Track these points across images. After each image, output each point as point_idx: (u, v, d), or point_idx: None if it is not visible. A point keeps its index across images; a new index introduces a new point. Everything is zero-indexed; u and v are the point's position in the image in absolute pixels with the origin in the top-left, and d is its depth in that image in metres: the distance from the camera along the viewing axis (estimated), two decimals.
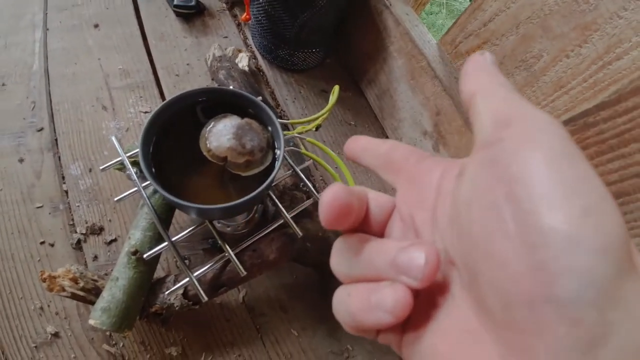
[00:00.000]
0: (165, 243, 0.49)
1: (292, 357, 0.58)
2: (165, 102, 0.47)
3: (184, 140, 0.51)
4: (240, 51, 0.73)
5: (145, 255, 0.49)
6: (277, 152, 0.52)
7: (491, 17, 0.56)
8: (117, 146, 0.53)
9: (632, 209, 0.29)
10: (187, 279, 0.48)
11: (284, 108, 0.75)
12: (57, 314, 0.55)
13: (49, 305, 0.55)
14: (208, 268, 0.50)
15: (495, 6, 0.55)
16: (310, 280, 0.63)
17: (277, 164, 0.47)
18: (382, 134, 0.77)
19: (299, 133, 0.55)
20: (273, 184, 0.56)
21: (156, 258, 0.52)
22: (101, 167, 0.53)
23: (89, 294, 0.50)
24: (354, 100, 0.79)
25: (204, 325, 0.57)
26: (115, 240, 0.60)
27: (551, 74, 0.51)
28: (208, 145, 0.47)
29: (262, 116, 0.51)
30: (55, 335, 0.54)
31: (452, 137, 0.63)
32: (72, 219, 0.61)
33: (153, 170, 0.47)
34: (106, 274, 0.58)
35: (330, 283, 0.57)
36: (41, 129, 0.66)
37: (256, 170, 0.48)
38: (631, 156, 0.28)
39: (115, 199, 0.52)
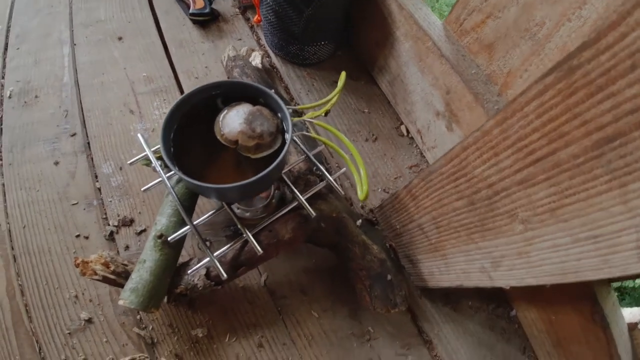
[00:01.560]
0: (188, 227, 0.53)
1: (314, 339, 0.59)
2: (183, 95, 0.51)
3: (203, 130, 0.54)
4: (253, 50, 0.78)
5: (169, 238, 0.52)
6: (287, 135, 0.55)
7: None
8: (142, 142, 0.57)
9: (631, 149, 0.28)
10: (208, 259, 0.51)
11: (298, 101, 0.78)
12: (90, 300, 0.60)
13: (83, 294, 0.60)
14: (227, 248, 0.53)
15: None
16: (329, 264, 0.64)
17: (286, 146, 0.49)
18: (397, 119, 0.78)
19: (310, 119, 0.58)
20: (287, 169, 0.59)
21: (180, 242, 0.55)
22: (129, 162, 0.57)
23: (119, 277, 0.54)
24: (366, 88, 0.81)
25: (227, 308, 0.60)
26: (144, 230, 0.64)
27: (556, 40, 0.51)
28: (222, 129, 0.51)
29: (271, 104, 0.55)
30: (89, 321, 0.58)
31: (463, 113, 0.64)
32: (105, 213, 0.66)
33: (172, 150, 0.51)
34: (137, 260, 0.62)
35: (349, 265, 0.58)
36: (74, 134, 0.73)
37: (265, 153, 0.51)
38: (621, 93, 0.27)
39: (143, 188, 0.56)
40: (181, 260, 0.57)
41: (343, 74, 0.59)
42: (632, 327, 0.57)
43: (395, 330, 0.61)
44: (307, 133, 0.57)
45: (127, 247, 0.63)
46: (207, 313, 0.60)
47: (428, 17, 0.67)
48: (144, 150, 0.57)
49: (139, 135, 0.58)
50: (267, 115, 0.53)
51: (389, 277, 0.57)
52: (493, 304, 0.65)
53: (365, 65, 0.85)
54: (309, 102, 0.78)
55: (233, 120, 0.51)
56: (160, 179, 0.56)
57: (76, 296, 0.60)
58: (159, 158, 0.60)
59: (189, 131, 0.55)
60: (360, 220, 0.59)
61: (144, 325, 0.59)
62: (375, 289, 0.57)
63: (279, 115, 0.55)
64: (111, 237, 0.64)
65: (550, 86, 0.32)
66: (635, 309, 0.59)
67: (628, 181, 0.30)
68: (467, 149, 0.43)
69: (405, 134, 0.76)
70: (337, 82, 0.81)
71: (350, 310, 0.62)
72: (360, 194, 0.51)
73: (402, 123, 0.78)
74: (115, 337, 0.58)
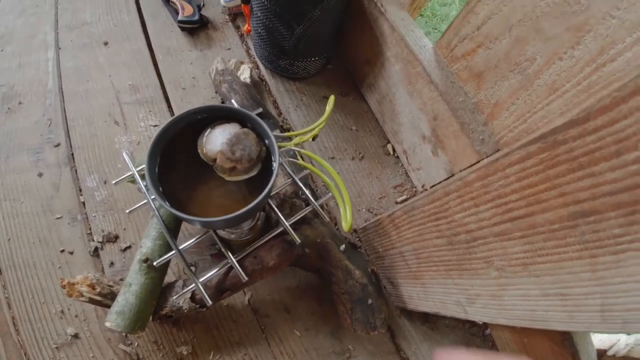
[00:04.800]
0: (173, 251, 0.53)
1: (296, 357, 0.60)
2: (167, 122, 0.50)
3: (189, 154, 0.54)
4: (242, 63, 0.76)
5: (155, 263, 0.52)
6: (274, 164, 0.54)
7: (484, 21, 0.56)
8: (127, 161, 0.56)
9: (605, 227, 0.29)
10: (194, 284, 0.51)
11: (287, 116, 0.77)
12: (76, 316, 0.60)
13: (69, 309, 0.60)
14: (213, 274, 0.53)
15: (487, 9, 0.55)
16: (313, 284, 0.65)
17: (273, 177, 0.49)
18: (384, 137, 0.78)
19: (296, 144, 0.57)
20: (273, 193, 0.58)
21: (166, 264, 0.55)
22: (114, 182, 0.56)
23: (105, 299, 0.54)
24: (355, 105, 0.80)
25: (212, 326, 0.61)
26: (129, 247, 0.64)
27: (545, 77, 0.51)
28: (204, 145, 0.51)
29: (258, 130, 0.54)
30: (75, 336, 0.58)
31: (449, 141, 0.64)
32: (90, 229, 0.65)
33: (160, 189, 0.50)
34: (121, 279, 0.62)
35: (331, 288, 0.59)
36: (58, 145, 0.71)
37: (239, 178, 0.51)
38: (601, 175, 0.28)
39: (127, 211, 0.55)
40: (167, 280, 0.57)
41: (332, 99, 0.58)
42: (601, 353, 0.60)
43: (375, 349, 0.63)
44: (294, 159, 0.56)
45: (112, 264, 0.63)
46: (191, 331, 0.60)
47: (419, 40, 0.66)
48: (129, 167, 0.56)
49: (124, 153, 0.57)
50: (252, 141, 0.52)
51: (369, 301, 0.59)
52: (469, 323, 0.67)
53: (354, 81, 0.84)
54: (297, 117, 0.77)
55: (216, 139, 0.51)
56: (145, 200, 0.56)
57: (62, 311, 0.60)
58: (144, 177, 0.59)
59: (175, 154, 0.54)
60: (343, 245, 0.59)
61: (129, 342, 0.59)
62: (356, 312, 0.58)
63: (266, 142, 0.54)
64: (96, 253, 0.63)
65: (533, 154, 0.33)
66: (604, 336, 0.62)
67: (598, 254, 0.31)
68: (449, 195, 0.44)
69: (392, 153, 0.76)
70: (326, 98, 0.80)
71: (332, 329, 0.63)
72: (345, 225, 0.52)
73: (388, 142, 0.77)
74: (102, 352, 0.58)
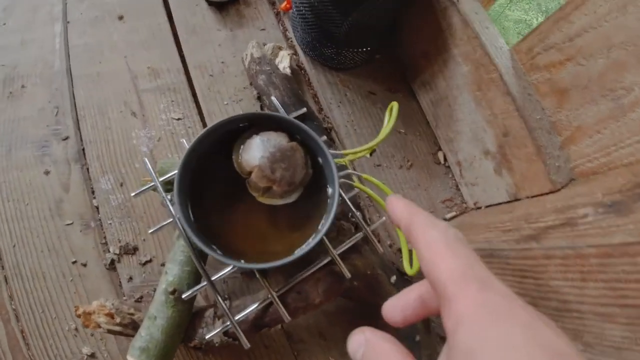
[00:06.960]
0: (205, 283, 0.47)
1: None
2: (199, 134, 0.44)
3: (223, 170, 0.47)
4: (280, 49, 0.66)
5: (184, 296, 0.47)
6: (329, 190, 0.48)
7: (579, 32, 0.49)
8: (150, 170, 0.50)
9: None
10: (229, 323, 0.47)
11: (328, 114, 0.69)
12: (92, 335, 0.55)
13: (83, 327, 0.55)
14: (250, 311, 0.48)
15: (585, 20, 0.48)
16: (350, 308, 0.61)
17: (332, 211, 0.43)
18: (434, 143, 0.71)
19: (351, 161, 0.50)
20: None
21: (195, 296, 0.50)
22: (133, 194, 0.50)
23: (126, 329, 0.50)
24: (403, 104, 0.72)
25: (242, 352, 0.56)
26: (150, 261, 0.58)
27: None
28: (240, 154, 0.45)
29: (310, 144, 0.47)
30: (92, 356, 0.54)
31: (519, 163, 0.57)
32: (105, 237, 0.59)
33: (192, 218, 0.44)
34: (141, 297, 0.57)
35: (371, 311, 0.55)
36: (66, 138, 0.63)
37: (272, 202, 0.45)
38: None
39: (150, 231, 0.49)
40: (195, 305, 0.52)
41: (395, 107, 0.49)
42: None
43: None
44: (349, 181, 0.50)
45: (130, 279, 0.58)
46: (219, 356, 0.56)
47: (495, 40, 0.57)
48: (150, 174, 0.49)
49: (145, 159, 0.50)
50: (299, 160, 0.45)
51: (417, 337, 0.55)
52: None
53: (405, 75, 0.74)
54: (340, 114, 0.68)
55: (257, 149, 0.44)
56: (171, 219, 0.49)
57: (76, 329, 0.55)
58: (169, 184, 0.53)
59: (207, 169, 0.47)
60: (394, 277, 0.54)
61: None
62: None
63: (320, 160, 0.47)
64: (112, 266, 0.58)
65: None
66: None
67: None
68: (551, 259, 0.38)
69: (442, 162, 0.69)
70: (373, 93, 0.72)
71: None
72: (409, 270, 0.45)
73: (439, 149, 0.70)
74: None
